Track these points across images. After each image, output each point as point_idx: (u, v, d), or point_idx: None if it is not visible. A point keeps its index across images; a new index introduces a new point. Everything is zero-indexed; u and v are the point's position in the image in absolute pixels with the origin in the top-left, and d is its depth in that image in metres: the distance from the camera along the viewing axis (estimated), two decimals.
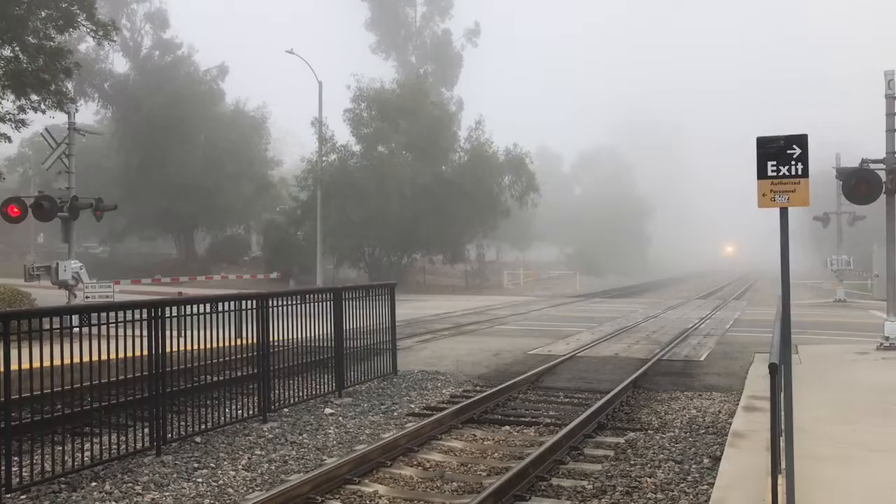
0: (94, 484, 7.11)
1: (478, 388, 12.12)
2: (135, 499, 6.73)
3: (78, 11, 20.44)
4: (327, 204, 40.99)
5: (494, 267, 60.60)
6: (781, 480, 5.70)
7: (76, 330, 7.44)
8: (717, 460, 7.48)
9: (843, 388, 11.04)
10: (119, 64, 54.06)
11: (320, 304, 11.11)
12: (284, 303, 10.23)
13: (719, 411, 10.25)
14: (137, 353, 8.06)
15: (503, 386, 11.50)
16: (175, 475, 7.41)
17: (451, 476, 7.40)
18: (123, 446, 7.81)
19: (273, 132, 58.78)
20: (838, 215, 33.48)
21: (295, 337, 10.48)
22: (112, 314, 7.88)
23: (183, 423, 8.61)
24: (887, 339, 14.91)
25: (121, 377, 8.12)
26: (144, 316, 8.09)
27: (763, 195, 6.10)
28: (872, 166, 14.66)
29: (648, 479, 7.21)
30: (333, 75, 45.33)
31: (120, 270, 42.92)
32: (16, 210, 17.58)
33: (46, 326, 7.19)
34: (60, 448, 7.26)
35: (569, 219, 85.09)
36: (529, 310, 29.59)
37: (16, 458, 7.02)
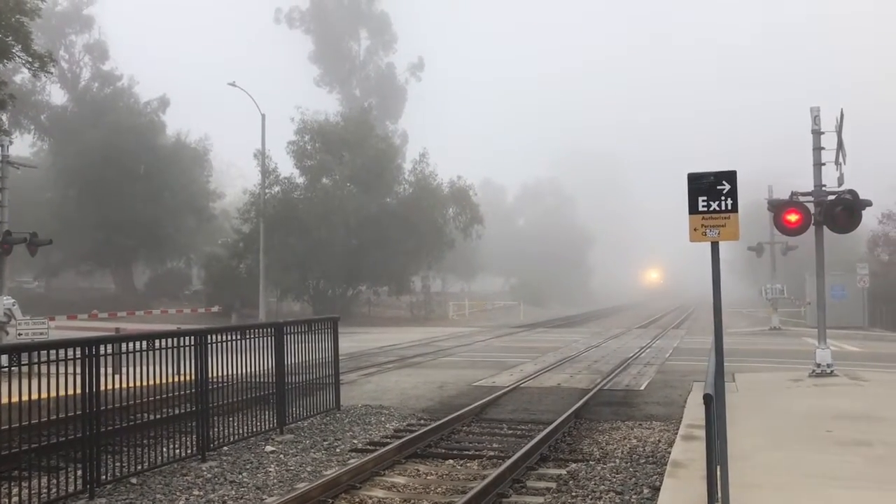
0: None
1: (422, 421, 12.08)
2: None
3: (13, 42, 20.05)
4: (270, 236, 40.63)
5: (440, 298, 60.67)
6: None
7: (6, 369, 7.22)
8: (656, 490, 7.57)
9: (778, 415, 11.30)
10: (57, 95, 53.00)
11: (261, 339, 10.98)
12: (224, 338, 10.09)
13: (659, 440, 10.39)
14: (71, 391, 7.84)
15: (447, 419, 11.48)
16: None
17: None
18: (55, 490, 7.56)
19: (215, 164, 58.27)
20: (772, 245, 34.53)
21: (235, 373, 10.32)
22: (44, 353, 7.65)
23: (118, 464, 8.39)
24: (819, 366, 15.34)
25: (53, 417, 7.88)
26: (78, 354, 7.88)
27: (695, 230, 6.30)
28: (802, 199, 15.17)
29: None
30: (277, 108, 45.21)
31: (56, 306, 41.67)
32: None
33: None
34: None
35: (513, 250, 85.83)
36: (474, 341, 29.65)
37: None
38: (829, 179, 15.18)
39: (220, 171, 66.65)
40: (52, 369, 7.62)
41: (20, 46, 20.24)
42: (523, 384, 15.83)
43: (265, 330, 11.26)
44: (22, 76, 42.52)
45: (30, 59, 20.75)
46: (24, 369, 7.34)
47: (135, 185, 47.75)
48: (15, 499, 7.38)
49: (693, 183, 6.40)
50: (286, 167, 45.74)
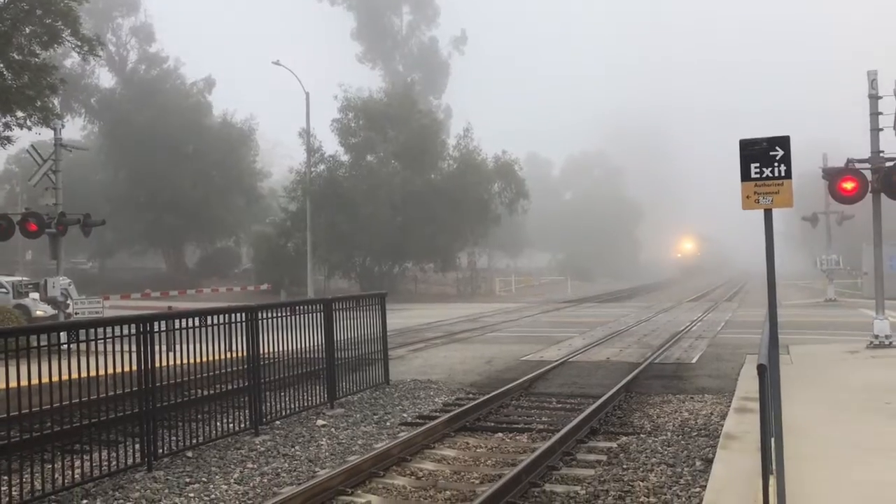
0: (84, 501, 7.07)
1: (470, 395, 12.11)
2: None
3: (62, 27, 20.40)
4: (317, 214, 40.96)
5: (486, 274, 60.69)
6: (773, 481, 5.71)
7: (65, 346, 7.41)
8: (709, 462, 7.49)
9: (834, 387, 11.08)
10: (105, 78, 54.02)
11: (310, 315, 11.08)
12: (274, 315, 10.20)
13: (711, 413, 10.26)
14: (127, 368, 8.02)
15: (495, 393, 11.49)
16: (167, 490, 7.37)
17: (445, 484, 7.38)
18: (114, 463, 7.77)
19: (261, 143, 58.82)
20: (827, 215, 33.69)
21: (286, 349, 10.45)
22: (100, 330, 7.83)
23: (174, 438, 8.57)
24: (877, 337, 14.97)
25: (111, 393, 8.07)
26: (133, 331, 8.05)
27: (747, 197, 6.15)
28: (858, 166, 14.74)
29: (641, 483, 7.21)
30: (321, 85, 45.50)
31: (109, 286, 42.78)
32: (3, 227, 17.50)
33: (34, 344, 7.16)
34: (50, 466, 7.22)
35: (559, 224, 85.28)
36: (521, 316, 29.60)
37: (4, 478, 6.97)
38: (888, 145, 14.71)
39: (265, 150, 67.35)
40: (108, 347, 7.80)
41: (69, 31, 20.58)
42: (572, 358, 15.76)
43: (314, 306, 11.35)
44: (71, 60, 43.39)
45: (79, 43, 21.09)
46: (82, 347, 7.53)
47: (183, 166, 48.60)
48: (77, 471, 7.59)
49: (745, 149, 6.24)
50: (331, 145, 46.07)
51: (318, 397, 11.14)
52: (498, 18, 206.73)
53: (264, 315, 9.97)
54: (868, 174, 14.56)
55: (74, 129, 52.82)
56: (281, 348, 10.33)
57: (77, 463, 7.71)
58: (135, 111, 48.55)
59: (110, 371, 7.81)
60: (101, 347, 7.73)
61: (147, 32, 53.75)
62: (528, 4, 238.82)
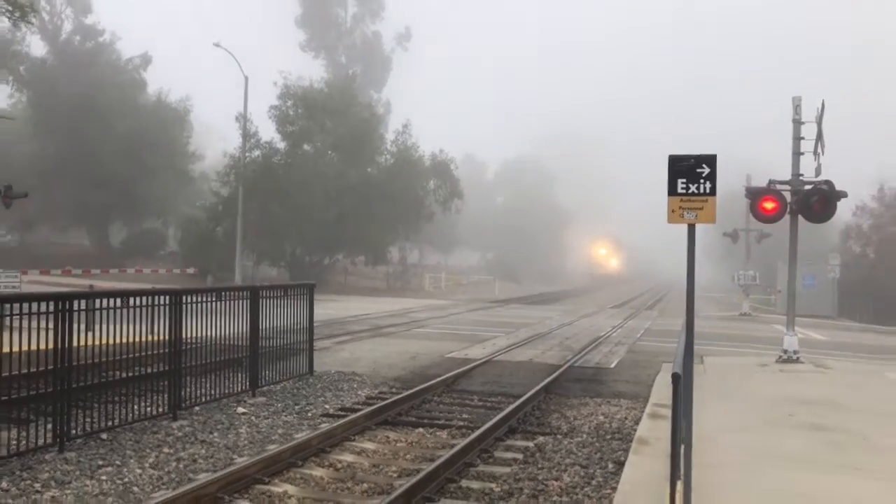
0: None
1: (393, 390, 12.18)
2: (33, 496, 6.54)
3: None
4: (249, 201, 40.32)
5: (416, 270, 60.76)
6: (680, 487, 5.94)
7: None
8: (621, 465, 7.72)
9: (744, 398, 11.52)
10: (37, 47, 52.00)
11: (236, 301, 10.98)
12: (199, 300, 10.07)
13: (626, 418, 10.55)
14: (42, 346, 7.83)
15: (418, 388, 11.59)
16: (78, 472, 7.23)
17: (363, 477, 7.44)
18: (24, 442, 7.57)
19: (196, 126, 57.55)
20: (747, 232, 34.87)
21: (209, 334, 10.33)
22: (16, 305, 7.61)
23: (89, 420, 8.39)
24: (786, 352, 15.60)
25: (24, 371, 7.87)
26: (51, 309, 7.85)
27: (672, 211, 6.37)
28: (779, 187, 15.32)
29: (555, 483, 7.40)
30: (261, 71, 44.72)
31: (29, 260, 41.27)
32: None
33: None
34: None
35: (491, 225, 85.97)
36: (449, 313, 29.78)
37: None
38: (807, 169, 15.36)
39: (200, 132, 65.78)
40: (24, 323, 7.59)
41: None
42: (496, 357, 15.97)
43: (241, 293, 11.26)
44: (0, 25, 41.65)
45: (9, 8, 20.38)
46: None
47: (114, 143, 47.17)
48: None
49: (674, 165, 6.47)
50: (267, 132, 45.39)
51: (239, 385, 11.05)
52: (443, 19, 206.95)
53: (189, 299, 9.84)
54: (788, 195, 15.15)
55: (1, 96, 50.86)
56: (204, 334, 10.20)
57: None
58: (66, 83, 46.90)
59: (24, 348, 7.62)
60: (16, 323, 7.52)
61: (83, 3, 52.02)
62: (471, 10, 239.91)
